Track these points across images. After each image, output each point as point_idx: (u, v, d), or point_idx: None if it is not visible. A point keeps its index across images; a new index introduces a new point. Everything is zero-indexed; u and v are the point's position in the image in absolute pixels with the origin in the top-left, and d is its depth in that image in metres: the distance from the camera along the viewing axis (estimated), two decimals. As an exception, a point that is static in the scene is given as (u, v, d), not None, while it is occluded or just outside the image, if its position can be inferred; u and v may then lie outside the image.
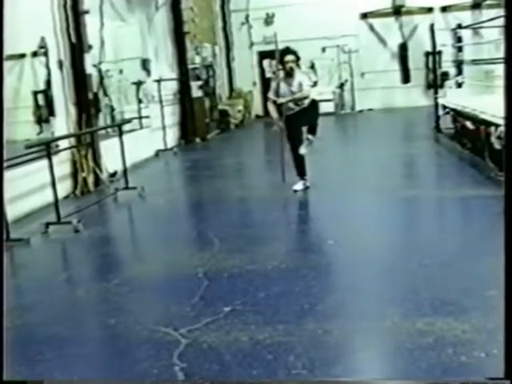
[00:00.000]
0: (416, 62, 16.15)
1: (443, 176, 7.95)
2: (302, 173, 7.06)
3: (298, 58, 6.97)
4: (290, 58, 6.90)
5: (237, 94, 17.52)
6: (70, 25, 8.09)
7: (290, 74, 6.91)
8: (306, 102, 6.96)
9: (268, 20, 17.84)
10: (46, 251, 5.70)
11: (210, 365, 2.99)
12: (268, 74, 18.55)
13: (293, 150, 7.07)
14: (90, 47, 8.70)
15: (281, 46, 7.19)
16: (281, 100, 6.92)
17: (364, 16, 17.54)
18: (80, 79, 8.30)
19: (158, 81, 11.67)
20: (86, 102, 8.39)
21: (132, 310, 3.91)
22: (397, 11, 17.30)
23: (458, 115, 9.59)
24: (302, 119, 7.00)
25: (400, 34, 17.38)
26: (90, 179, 8.19)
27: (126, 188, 7.71)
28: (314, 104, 7.12)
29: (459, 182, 7.05)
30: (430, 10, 16.95)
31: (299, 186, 7.02)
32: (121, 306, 3.99)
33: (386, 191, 6.83)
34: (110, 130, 9.40)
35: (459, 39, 15.15)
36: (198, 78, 13.86)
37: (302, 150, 6.97)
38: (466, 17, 16.11)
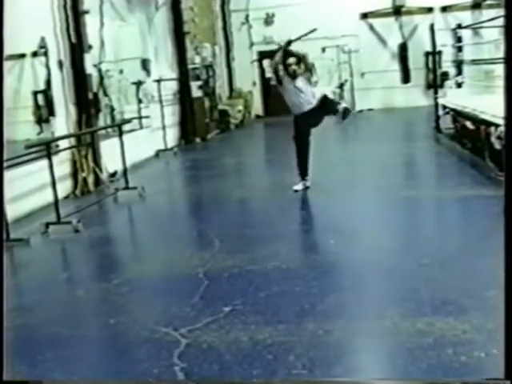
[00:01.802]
0: (416, 62, 16.13)
1: (443, 176, 7.95)
2: (303, 173, 7.03)
3: (299, 60, 6.93)
4: (292, 60, 6.88)
5: (237, 94, 17.51)
6: (69, 25, 8.10)
7: (293, 77, 6.89)
8: (315, 102, 6.92)
9: (268, 20, 17.84)
10: (45, 251, 5.70)
11: (210, 365, 2.99)
12: (268, 74, 18.58)
13: (298, 151, 7.02)
14: (90, 47, 8.70)
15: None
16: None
17: (364, 16, 17.53)
18: (80, 79, 8.30)
19: (158, 81, 11.67)
20: (86, 102, 8.39)
21: (132, 310, 3.91)
22: (397, 11, 17.29)
23: (457, 115, 9.59)
24: (310, 120, 6.97)
25: (400, 34, 17.37)
26: (90, 179, 8.19)
27: (126, 188, 7.71)
28: (325, 102, 7.02)
29: (459, 181, 7.05)
30: (430, 9, 16.94)
31: (299, 186, 7.01)
32: (121, 306, 3.99)
33: (386, 191, 6.83)
34: (110, 130, 9.40)
35: (459, 39, 15.14)
36: (198, 78, 13.86)
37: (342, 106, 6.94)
38: (466, 17, 16.10)
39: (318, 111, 6.95)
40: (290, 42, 7.06)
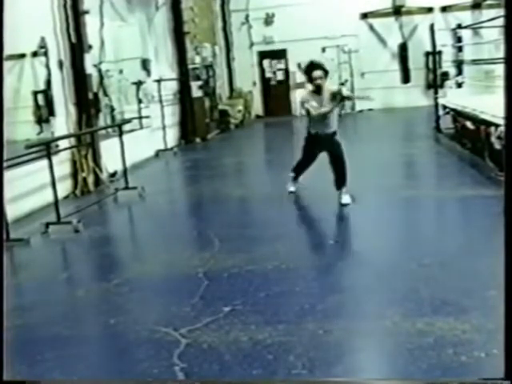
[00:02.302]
0: (416, 62, 16.13)
1: (443, 176, 7.95)
2: (296, 178, 6.94)
3: (326, 73, 6.32)
4: (318, 73, 6.23)
5: (237, 94, 17.52)
6: (70, 25, 8.10)
7: (317, 92, 6.27)
8: (335, 127, 6.42)
9: (268, 20, 17.83)
10: (46, 251, 5.70)
11: (210, 365, 2.99)
12: (268, 74, 18.59)
13: (302, 160, 6.75)
14: (90, 47, 8.70)
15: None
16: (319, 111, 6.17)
17: (364, 16, 17.53)
18: (80, 79, 8.31)
19: (158, 81, 11.67)
20: (86, 102, 8.39)
21: (132, 310, 3.91)
22: (397, 11, 17.29)
23: (458, 115, 9.59)
24: (324, 143, 6.44)
25: (400, 34, 17.37)
26: (90, 179, 8.19)
27: (126, 188, 7.71)
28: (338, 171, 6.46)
29: (459, 181, 7.05)
30: (430, 9, 16.94)
31: (293, 187, 6.90)
32: (121, 306, 3.99)
33: (385, 191, 6.82)
34: (110, 130, 9.40)
35: (459, 39, 15.15)
36: (198, 78, 13.86)
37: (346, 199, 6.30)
38: (466, 17, 16.10)
39: (332, 142, 6.45)
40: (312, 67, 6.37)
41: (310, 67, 6.32)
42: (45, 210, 6.69)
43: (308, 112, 6.31)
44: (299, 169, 6.91)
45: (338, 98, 6.13)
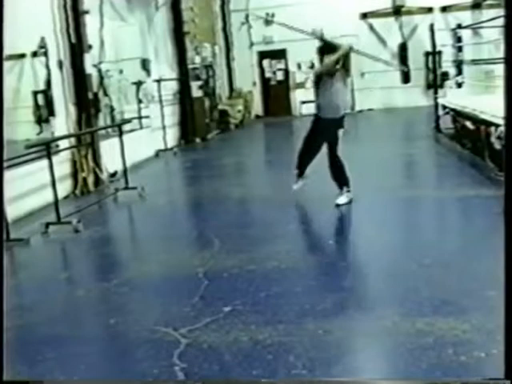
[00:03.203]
0: (416, 62, 16.14)
1: (443, 176, 7.95)
2: (301, 174, 6.91)
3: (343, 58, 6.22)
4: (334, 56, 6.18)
5: (237, 94, 17.52)
6: (69, 25, 8.09)
7: (332, 75, 6.13)
8: (346, 108, 6.30)
9: (268, 20, 17.82)
10: (46, 251, 5.70)
11: (210, 365, 2.99)
12: (268, 74, 18.59)
13: (302, 150, 6.65)
14: (90, 47, 8.71)
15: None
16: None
17: (364, 16, 17.53)
18: (80, 79, 8.30)
19: (158, 81, 11.67)
20: (86, 102, 8.39)
21: (132, 310, 3.91)
22: (397, 11, 17.29)
23: (457, 115, 9.60)
24: (323, 135, 6.45)
25: (400, 34, 17.38)
26: (90, 179, 8.19)
27: (126, 188, 7.71)
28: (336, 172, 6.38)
29: (459, 181, 7.05)
30: (430, 9, 16.94)
31: (299, 184, 6.89)
32: (121, 306, 3.99)
33: (385, 191, 6.82)
34: (109, 129, 9.40)
35: (459, 39, 15.15)
36: (198, 78, 13.87)
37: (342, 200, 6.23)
38: (466, 17, 16.11)
39: (336, 133, 6.42)
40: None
41: (323, 49, 6.58)
42: (45, 210, 6.69)
43: (318, 85, 6.15)
44: (301, 163, 6.67)
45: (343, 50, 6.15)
